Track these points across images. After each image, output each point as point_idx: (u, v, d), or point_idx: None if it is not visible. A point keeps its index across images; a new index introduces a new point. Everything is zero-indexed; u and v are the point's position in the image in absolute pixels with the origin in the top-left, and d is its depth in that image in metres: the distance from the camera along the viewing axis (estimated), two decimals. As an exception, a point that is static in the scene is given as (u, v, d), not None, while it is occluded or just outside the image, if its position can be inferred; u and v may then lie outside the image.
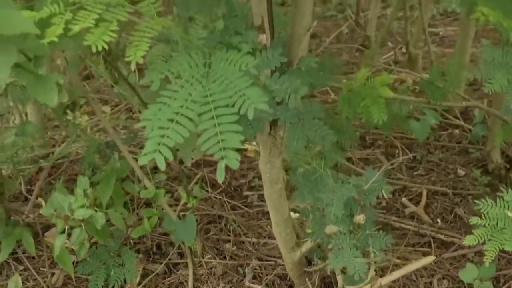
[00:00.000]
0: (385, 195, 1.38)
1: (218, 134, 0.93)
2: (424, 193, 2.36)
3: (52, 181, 2.52)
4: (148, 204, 2.31)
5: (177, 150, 1.87)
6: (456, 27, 4.27)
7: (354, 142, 1.60)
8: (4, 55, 0.95)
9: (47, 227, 2.17)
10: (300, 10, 1.35)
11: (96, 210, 1.75)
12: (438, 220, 2.24)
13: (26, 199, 2.39)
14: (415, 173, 2.55)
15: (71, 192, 1.81)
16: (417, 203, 2.32)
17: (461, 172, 2.51)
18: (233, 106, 0.97)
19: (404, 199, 2.32)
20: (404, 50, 3.82)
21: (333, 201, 1.38)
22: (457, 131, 2.84)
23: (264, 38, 1.30)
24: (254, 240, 2.14)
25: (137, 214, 2.26)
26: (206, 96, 0.98)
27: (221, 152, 0.91)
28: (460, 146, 2.70)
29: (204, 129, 0.94)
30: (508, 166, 2.47)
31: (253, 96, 0.97)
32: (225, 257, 2.10)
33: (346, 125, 1.58)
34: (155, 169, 2.10)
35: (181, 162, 2.16)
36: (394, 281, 1.87)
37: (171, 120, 0.95)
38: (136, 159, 2.00)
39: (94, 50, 0.96)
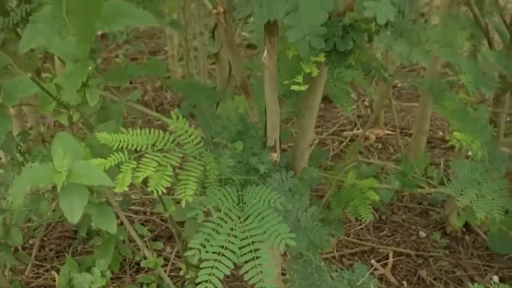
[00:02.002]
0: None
1: (257, 266, 1.15)
2: (391, 255, 2.62)
3: (48, 237, 2.67)
4: (139, 264, 2.49)
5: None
6: (414, 78, 4.60)
7: (340, 233, 1.84)
8: (79, 197, 1.15)
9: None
10: (304, 130, 1.59)
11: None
12: (404, 282, 2.50)
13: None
14: (381, 233, 2.82)
15: (79, 265, 2.00)
16: (384, 265, 2.58)
17: (422, 234, 2.79)
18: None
19: (373, 261, 2.58)
20: (367, 103, 4.11)
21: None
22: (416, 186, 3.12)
23: (275, 156, 1.53)
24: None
25: (130, 275, 2.44)
26: (244, 231, 1.20)
27: (261, 283, 1.14)
28: (421, 207, 2.99)
29: (245, 261, 1.17)
30: (464, 229, 2.76)
31: (283, 233, 1.19)
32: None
33: (335, 219, 1.82)
34: (154, 240, 2.30)
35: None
36: None
37: (218, 253, 1.17)
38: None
39: (155, 195, 1.17)
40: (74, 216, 1.15)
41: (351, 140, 3.61)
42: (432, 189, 2.13)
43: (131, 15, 1.15)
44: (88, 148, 1.27)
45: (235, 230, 1.21)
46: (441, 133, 3.72)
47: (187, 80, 2.04)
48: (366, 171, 2.39)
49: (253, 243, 1.18)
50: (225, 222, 1.22)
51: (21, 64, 1.42)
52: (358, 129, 3.77)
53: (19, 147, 1.98)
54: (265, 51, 1.31)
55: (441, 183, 3.08)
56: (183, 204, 1.21)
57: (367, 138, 3.61)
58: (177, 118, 1.28)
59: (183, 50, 4.34)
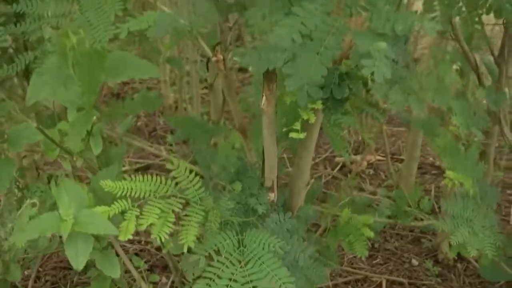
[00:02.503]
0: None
1: (258, 310, 1.19)
2: (384, 283, 2.65)
3: (43, 267, 2.68)
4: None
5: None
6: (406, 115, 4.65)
7: (335, 264, 1.87)
8: (84, 244, 1.18)
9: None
10: (301, 169, 1.63)
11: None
12: (398, 311, 2.53)
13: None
14: (374, 261, 2.85)
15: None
16: (378, 294, 2.61)
17: (415, 262, 2.83)
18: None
19: (367, 290, 2.61)
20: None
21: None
22: (407, 208, 3.16)
23: (272, 195, 1.57)
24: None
25: (126, 307, 2.45)
26: (245, 276, 1.23)
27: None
28: (413, 234, 3.03)
29: (247, 305, 1.20)
30: (456, 257, 2.80)
31: (283, 277, 1.23)
32: None
33: (331, 252, 1.85)
34: (149, 270, 2.32)
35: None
36: None
37: (220, 299, 1.20)
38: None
39: (158, 241, 1.20)
40: (79, 262, 1.18)
41: (343, 166, 3.65)
42: (425, 222, 2.17)
43: (134, 66, 1.19)
44: (91, 193, 1.30)
45: (236, 274, 1.24)
46: (431, 159, 3.77)
47: (184, 117, 2.08)
48: (360, 202, 2.43)
49: (254, 287, 1.22)
50: (226, 266, 1.25)
51: (23, 107, 1.46)
52: (349, 154, 3.81)
53: (17, 183, 2.00)
54: (264, 97, 1.35)
55: (432, 210, 3.14)
56: (184, 249, 1.24)
57: (360, 164, 3.66)
58: (178, 165, 1.32)
59: (175, 76, 4.37)
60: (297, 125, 1.29)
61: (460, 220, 1.63)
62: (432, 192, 3.36)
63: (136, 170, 3.61)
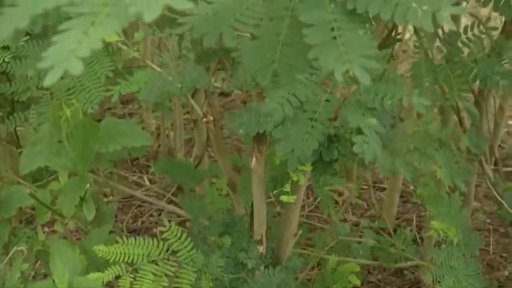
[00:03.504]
0: None
1: None
2: (368, 318, 2.68)
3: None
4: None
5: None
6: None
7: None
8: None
9: None
10: (289, 220, 1.65)
11: None
12: None
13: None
14: (358, 294, 2.88)
15: None
16: (362, 328, 2.63)
17: (398, 294, 2.86)
18: None
19: (352, 325, 2.63)
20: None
21: None
22: (391, 249, 3.19)
23: (261, 248, 1.59)
24: None
25: None
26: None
27: None
28: (396, 267, 3.06)
29: None
30: (438, 289, 2.84)
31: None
32: None
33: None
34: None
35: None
36: None
37: None
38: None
39: (151, 307, 1.21)
40: (73, 329, 1.19)
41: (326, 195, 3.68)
42: (409, 262, 2.21)
43: (128, 134, 1.21)
44: (83, 254, 1.31)
45: None
46: (412, 187, 3.81)
47: (169, 161, 2.11)
48: (344, 232, 2.46)
49: None
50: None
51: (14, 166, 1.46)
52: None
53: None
54: (254, 158, 1.38)
55: (414, 241, 3.17)
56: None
57: (341, 194, 3.69)
58: (170, 227, 1.33)
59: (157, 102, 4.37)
60: (287, 187, 1.32)
61: (445, 269, 1.66)
62: (414, 222, 3.41)
63: (119, 201, 3.61)
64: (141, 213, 3.40)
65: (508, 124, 3.94)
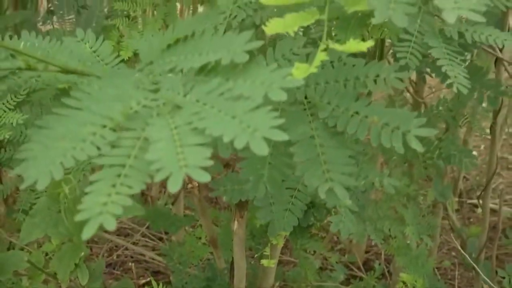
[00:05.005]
0: None
1: None
2: None
3: None
4: None
5: None
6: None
7: None
8: None
9: None
10: (265, 272, 1.74)
11: None
12: None
13: None
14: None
15: None
16: None
17: (368, 330, 2.96)
18: None
19: None
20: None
21: None
22: (361, 283, 3.30)
23: (241, 301, 1.68)
24: None
25: None
26: None
27: None
28: (365, 301, 3.17)
29: None
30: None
31: None
32: None
33: None
34: None
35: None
36: None
37: None
38: None
39: None
40: None
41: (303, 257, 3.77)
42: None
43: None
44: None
45: None
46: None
47: (151, 209, 2.17)
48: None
49: None
50: None
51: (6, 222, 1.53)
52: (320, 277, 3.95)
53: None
54: (236, 221, 1.47)
55: (383, 275, 3.29)
56: None
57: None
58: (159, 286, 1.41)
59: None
60: (267, 251, 1.41)
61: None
62: (382, 256, 3.52)
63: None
64: (116, 246, 3.45)
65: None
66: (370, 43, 0.60)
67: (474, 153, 4.47)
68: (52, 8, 2.10)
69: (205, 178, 0.54)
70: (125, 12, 1.70)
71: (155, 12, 1.70)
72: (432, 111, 1.38)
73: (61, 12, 1.99)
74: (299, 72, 0.62)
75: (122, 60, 1.38)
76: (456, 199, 3.14)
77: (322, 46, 0.65)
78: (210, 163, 0.55)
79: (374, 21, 0.59)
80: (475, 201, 3.51)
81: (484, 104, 1.37)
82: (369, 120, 0.82)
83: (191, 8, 1.99)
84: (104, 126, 0.64)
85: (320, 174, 0.78)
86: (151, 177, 0.60)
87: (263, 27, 0.71)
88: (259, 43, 0.66)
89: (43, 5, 2.45)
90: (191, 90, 0.68)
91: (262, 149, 0.54)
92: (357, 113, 0.83)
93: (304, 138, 0.83)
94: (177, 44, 0.79)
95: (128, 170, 0.60)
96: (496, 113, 1.76)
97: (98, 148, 0.62)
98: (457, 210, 3.27)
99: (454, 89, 0.83)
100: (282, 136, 0.55)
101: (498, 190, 3.78)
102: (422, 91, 2.01)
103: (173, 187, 0.54)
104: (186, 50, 0.75)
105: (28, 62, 0.84)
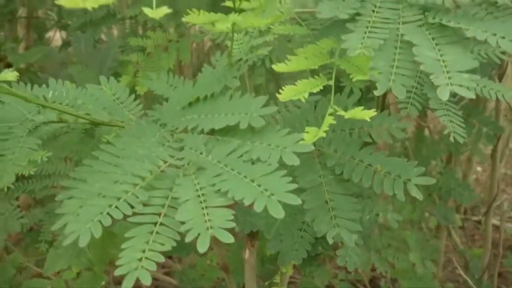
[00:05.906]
0: None
1: None
2: None
3: None
4: None
5: None
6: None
7: None
8: None
9: None
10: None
11: None
12: None
13: None
14: None
15: None
16: None
17: None
18: None
19: None
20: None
21: None
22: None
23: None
24: None
25: None
26: None
27: None
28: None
29: None
30: None
31: None
32: None
33: None
34: None
35: None
36: None
37: None
38: None
39: None
40: None
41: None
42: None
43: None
44: None
45: None
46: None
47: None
48: None
49: None
50: None
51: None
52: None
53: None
54: (247, 250, 1.54)
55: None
56: None
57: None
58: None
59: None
60: (277, 278, 1.48)
61: None
62: (388, 274, 3.58)
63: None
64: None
65: (477, 170, 4.14)
66: (372, 113, 0.67)
67: (479, 168, 4.50)
68: (68, 40, 2.19)
69: (229, 239, 0.61)
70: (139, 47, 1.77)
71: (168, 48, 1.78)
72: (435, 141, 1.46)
73: (77, 44, 2.06)
74: (310, 136, 0.69)
75: (138, 96, 1.47)
76: (461, 216, 3.20)
77: (330, 110, 0.73)
78: (233, 224, 0.63)
79: (376, 93, 0.67)
80: (479, 217, 3.56)
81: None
82: (372, 168, 0.90)
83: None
84: (136, 185, 0.72)
85: (328, 220, 0.86)
86: (179, 234, 0.67)
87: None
88: (274, 108, 0.74)
89: (56, 37, 2.54)
90: (212, 150, 0.75)
91: (278, 213, 0.62)
92: (361, 161, 0.91)
93: (313, 186, 0.91)
94: (197, 102, 0.87)
95: (159, 227, 0.68)
96: (496, 142, 1.83)
97: (132, 207, 0.70)
98: (461, 227, 3.33)
99: (451, 139, 0.91)
100: (296, 201, 0.62)
101: (503, 206, 3.83)
102: (426, 114, 2.08)
103: (202, 247, 0.62)
104: (206, 110, 0.83)
105: (60, 116, 0.92)
